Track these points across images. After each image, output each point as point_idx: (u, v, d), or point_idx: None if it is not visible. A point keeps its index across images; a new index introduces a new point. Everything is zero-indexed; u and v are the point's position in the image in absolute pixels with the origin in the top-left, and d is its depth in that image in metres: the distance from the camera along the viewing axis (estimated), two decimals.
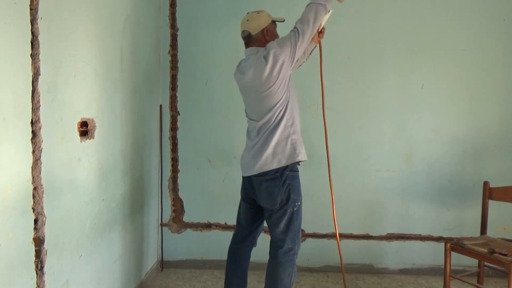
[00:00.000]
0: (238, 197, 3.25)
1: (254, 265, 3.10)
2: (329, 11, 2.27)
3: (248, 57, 2.33)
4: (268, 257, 2.36)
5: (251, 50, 2.32)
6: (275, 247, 2.31)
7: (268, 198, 2.28)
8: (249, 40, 2.34)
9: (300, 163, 2.31)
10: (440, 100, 3.26)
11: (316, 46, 2.52)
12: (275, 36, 2.36)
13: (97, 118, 2.12)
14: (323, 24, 2.41)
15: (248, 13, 2.39)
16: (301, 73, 3.25)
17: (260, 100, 2.25)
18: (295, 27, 2.21)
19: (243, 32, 2.35)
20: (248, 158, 2.35)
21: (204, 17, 3.27)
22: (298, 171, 2.31)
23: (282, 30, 2.42)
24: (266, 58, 2.16)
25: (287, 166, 2.24)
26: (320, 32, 2.42)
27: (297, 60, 2.26)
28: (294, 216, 2.26)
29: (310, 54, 2.57)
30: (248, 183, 2.41)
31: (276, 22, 2.40)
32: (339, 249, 2.66)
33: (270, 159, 2.24)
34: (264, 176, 2.26)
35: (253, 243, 2.54)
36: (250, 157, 2.32)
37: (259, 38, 2.30)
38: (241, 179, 3.28)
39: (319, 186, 3.29)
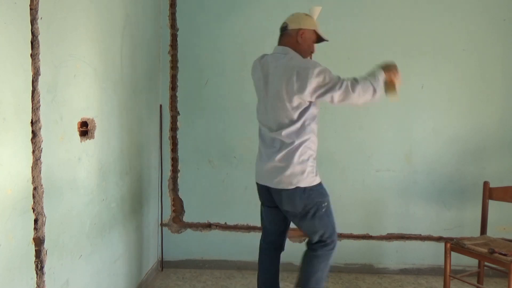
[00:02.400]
0: (238, 197, 3.26)
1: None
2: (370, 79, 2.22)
3: (277, 56, 2.23)
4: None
5: (283, 49, 2.24)
6: (312, 240, 2.29)
7: (290, 205, 2.23)
8: (283, 32, 2.27)
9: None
10: (440, 100, 3.26)
11: None
12: (308, 44, 2.27)
13: (97, 118, 2.12)
14: (316, 16, 2.36)
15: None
16: None
17: (280, 109, 2.18)
18: (347, 81, 2.14)
19: (283, 23, 2.28)
20: (264, 168, 2.29)
21: (204, 17, 3.27)
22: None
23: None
24: (298, 74, 2.10)
25: None
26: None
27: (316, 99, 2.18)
28: (325, 216, 2.23)
29: None
30: (266, 189, 2.33)
31: (321, 38, 2.32)
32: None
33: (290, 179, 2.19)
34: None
35: (281, 248, 2.50)
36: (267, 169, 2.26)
37: (292, 35, 2.23)
38: (241, 179, 3.30)
39: None
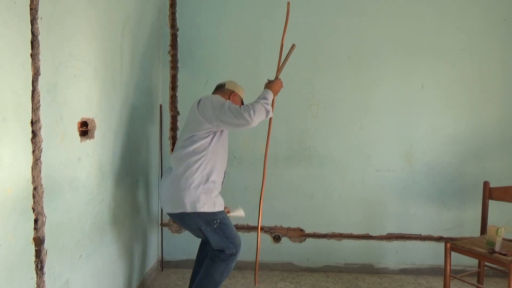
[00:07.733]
0: (237, 196, 3.26)
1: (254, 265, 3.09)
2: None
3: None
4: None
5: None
6: (212, 250, 2.45)
7: (185, 227, 2.51)
8: (219, 87, 2.58)
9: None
10: (440, 100, 3.26)
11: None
12: (235, 104, 2.49)
13: (97, 118, 2.12)
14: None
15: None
16: (301, 72, 3.26)
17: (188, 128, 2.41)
18: (246, 106, 2.30)
19: (222, 83, 2.60)
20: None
21: (204, 17, 3.27)
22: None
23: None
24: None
25: None
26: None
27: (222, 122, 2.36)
28: (218, 231, 2.40)
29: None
30: None
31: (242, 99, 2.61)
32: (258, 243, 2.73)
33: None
34: None
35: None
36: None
37: (225, 93, 2.54)
38: (241, 179, 3.31)
39: (319, 186, 3.30)
